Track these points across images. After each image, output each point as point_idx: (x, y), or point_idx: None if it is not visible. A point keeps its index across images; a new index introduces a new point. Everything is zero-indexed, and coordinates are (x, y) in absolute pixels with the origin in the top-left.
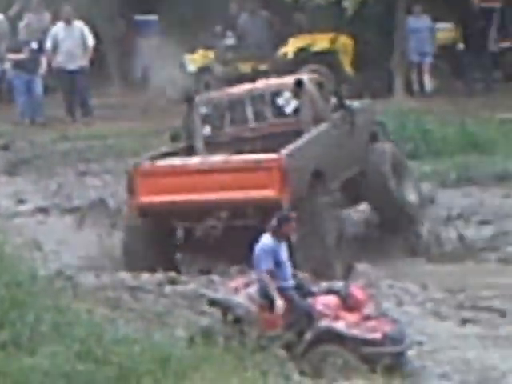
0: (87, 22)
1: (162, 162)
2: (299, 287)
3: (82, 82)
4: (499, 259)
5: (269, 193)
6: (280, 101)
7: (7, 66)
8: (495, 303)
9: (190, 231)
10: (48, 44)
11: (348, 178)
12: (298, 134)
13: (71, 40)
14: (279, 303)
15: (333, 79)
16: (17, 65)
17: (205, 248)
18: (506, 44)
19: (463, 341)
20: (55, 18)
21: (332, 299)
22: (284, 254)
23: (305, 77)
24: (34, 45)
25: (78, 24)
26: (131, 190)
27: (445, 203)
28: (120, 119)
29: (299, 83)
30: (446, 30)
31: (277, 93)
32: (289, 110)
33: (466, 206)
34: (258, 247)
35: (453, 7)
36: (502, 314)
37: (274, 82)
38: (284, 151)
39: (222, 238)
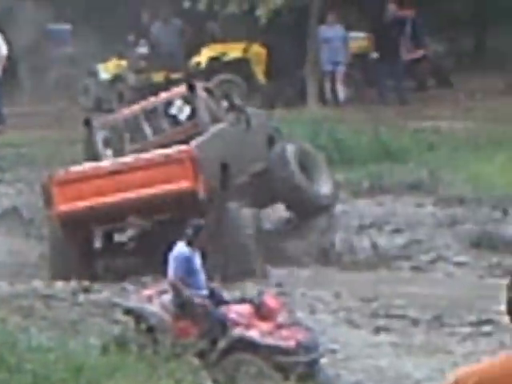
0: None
1: (75, 169)
2: (213, 296)
3: None
4: (412, 268)
5: (184, 184)
6: (173, 110)
7: None
8: (408, 312)
9: (110, 237)
10: None
11: (253, 173)
12: (198, 136)
13: None
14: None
15: (244, 88)
16: None
17: (124, 253)
18: (418, 54)
19: (377, 349)
20: None
21: (245, 308)
22: (198, 262)
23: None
24: None
25: None
26: (49, 201)
27: (358, 212)
28: (32, 128)
29: (191, 87)
30: (358, 39)
31: (168, 103)
32: (183, 117)
33: (379, 214)
34: (172, 255)
35: (366, 17)
36: (415, 322)
37: (163, 95)
38: (193, 143)
39: (141, 243)
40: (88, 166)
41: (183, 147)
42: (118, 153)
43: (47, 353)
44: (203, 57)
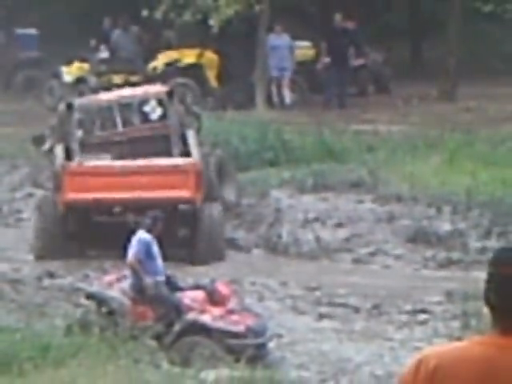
0: None
1: (88, 163)
2: (169, 282)
3: None
4: (353, 260)
5: (185, 193)
6: (146, 108)
7: None
8: (350, 300)
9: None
10: None
11: None
12: (163, 137)
13: None
14: (148, 281)
15: (198, 91)
16: None
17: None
18: (360, 61)
19: (320, 334)
20: None
21: (199, 294)
22: (156, 249)
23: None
24: None
25: None
26: (58, 188)
27: (302, 207)
28: (0, 125)
29: (170, 94)
30: (304, 48)
31: (144, 101)
32: (154, 116)
33: (322, 210)
34: (134, 239)
35: (310, 27)
36: (356, 310)
37: (140, 90)
38: (196, 156)
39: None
40: (100, 163)
41: (190, 160)
42: (87, 134)
43: (15, 333)
44: (160, 62)
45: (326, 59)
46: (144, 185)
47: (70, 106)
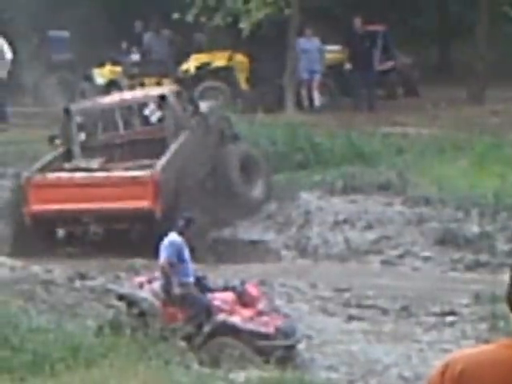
0: (5, 36)
1: (51, 175)
2: (199, 284)
3: (0, 91)
4: (381, 261)
5: (144, 204)
6: (146, 111)
7: None
8: (379, 302)
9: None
10: None
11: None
12: (162, 140)
13: None
14: (177, 289)
15: (228, 94)
16: None
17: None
18: (388, 65)
19: (349, 336)
20: None
21: (229, 295)
22: (187, 252)
23: (167, 90)
24: None
25: None
26: (24, 199)
27: (332, 209)
28: (33, 127)
29: (163, 98)
30: (333, 52)
31: (143, 104)
32: (154, 119)
33: (352, 212)
34: (165, 242)
35: (339, 31)
36: (385, 311)
37: (140, 94)
38: (157, 167)
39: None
40: (63, 175)
41: (148, 172)
42: (90, 137)
43: (47, 333)
44: (191, 64)
45: (348, 65)
46: (105, 196)
47: (67, 111)
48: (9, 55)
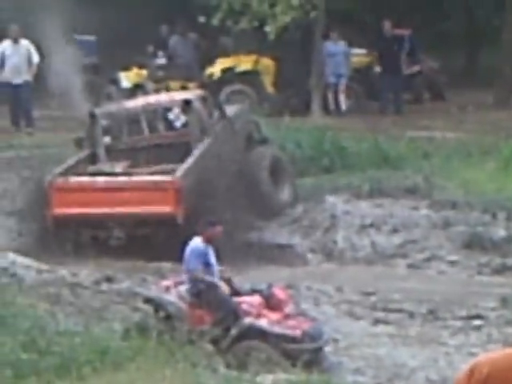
0: (31, 39)
1: (74, 179)
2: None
3: (26, 95)
4: (408, 265)
5: (166, 209)
6: (171, 115)
7: None
8: (405, 305)
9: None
10: None
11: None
12: (187, 144)
13: (17, 56)
14: (222, 284)
15: (254, 98)
16: None
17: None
18: (414, 69)
19: (375, 339)
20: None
21: (256, 299)
22: (212, 256)
23: (192, 95)
24: None
25: (25, 42)
26: (47, 203)
27: (358, 213)
28: (60, 130)
29: (188, 102)
30: (360, 55)
31: (168, 108)
32: (178, 124)
33: (378, 216)
34: (188, 249)
35: (366, 34)
36: (411, 315)
37: (164, 98)
38: (178, 172)
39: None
40: (85, 179)
41: (169, 177)
42: (115, 140)
43: (74, 336)
44: (217, 68)
45: (378, 68)
46: (127, 200)
47: (92, 115)
48: (36, 59)
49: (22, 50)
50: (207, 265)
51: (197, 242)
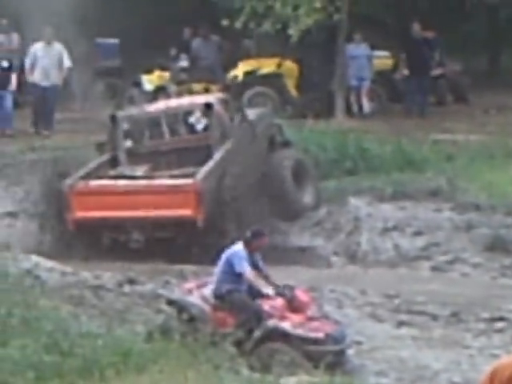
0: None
1: (94, 183)
2: (250, 289)
3: (52, 98)
4: (431, 267)
5: (186, 212)
6: (192, 119)
7: None
8: (428, 308)
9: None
10: (27, 60)
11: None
12: (208, 148)
13: (48, 59)
14: (269, 291)
15: (277, 100)
16: None
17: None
18: (438, 71)
19: (399, 341)
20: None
21: (279, 301)
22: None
23: (213, 98)
24: (5, 63)
25: (58, 45)
26: (67, 207)
27: (381, 216)
28: (81, 132)
29: (208, 106)
30: (383, 58)
31: (189, 112)
32: (199, 127)
33: (401, 218)
34: (231, 252)
35: (389, 37)
36: (435, 317)
37: (186, 101)
38: (198, 176)
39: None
40: (105, 182)
41: (189, 181)
42: (137, 144)
43: (96, 339)
44: (239, 71)
45: (405, 70)
46: (147, 204)
47: (113, 118)
48: (67, 63)
49: (54, 52)
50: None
51: (239, 247)
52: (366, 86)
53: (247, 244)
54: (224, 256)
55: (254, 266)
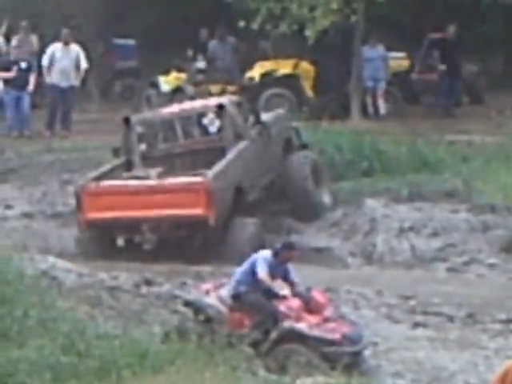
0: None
1: (105, 183)
2: (267, 290)
3: (71, 99)
4: (447, 269)
5: (197, 211)
6: (205, 121)
7: None
8: (444, 309)
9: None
10: (45, 61)
11: (264, 184)
12: (222, 150)
13: (67, 60)
14: (285, 291)
15: (294, 102)
16: (6, 82)
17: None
18: None
19: (415, 342)
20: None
21: (295, 302)
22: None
23: (226, 100)
24: (23, 64)
25: (74, 46)
26: (79, 207)
27: (397, 217)
28: (99, 133)
29: (221, 107)
30: (399, 59)
31: (202, 114)
32: (213, 129)
33: (417, 219)
34: (259, 255)
35: (405, 38)
36: (451, 318)
37: (199, 104)
38: (209, 174)
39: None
40: (116, 182)
41: (200, 179)
42: (151, 147)
43: (113, 339)
44: (256, 72)
45: (442, 66)
46: (158, 203)
47: (127, 121)
48: (84, 64)
49: (71, 54)
50: (255, 273)
51: (267, 253)
52: (381, 87)
53: (276, 254)
54: (251, 257)
55: (284, 278)
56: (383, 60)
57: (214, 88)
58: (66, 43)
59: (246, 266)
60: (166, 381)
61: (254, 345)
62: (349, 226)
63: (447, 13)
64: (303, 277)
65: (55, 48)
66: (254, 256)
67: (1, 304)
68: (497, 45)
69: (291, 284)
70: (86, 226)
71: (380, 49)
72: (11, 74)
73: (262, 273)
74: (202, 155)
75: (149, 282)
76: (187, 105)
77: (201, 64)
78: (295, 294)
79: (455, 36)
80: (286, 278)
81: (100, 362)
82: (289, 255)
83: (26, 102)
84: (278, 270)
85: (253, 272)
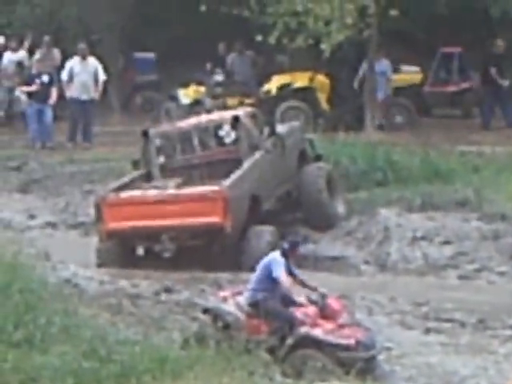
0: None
1: (125, 194)
2: (284, 297)
3: (91, 112)
4: (459, 276)
5: (214, 219)
6: (221, 132)
7: (21, 96)
8: (456, 315)
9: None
10: (64, 75)
11: (280, 195)
12: (238, 160)
13: (85, 74)
14: (301, 299)
15: (310, 114)
16: (29, 95)
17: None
18: (465, 85)
19: (427, 348)
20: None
21: (311, 309)
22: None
23: (241, 112)
24: (45, 78)
25: (92, 60)
26: (99, 218)
27: (410, 226)
28: (120, 145)
29: (236, 119)
30: (411, 72)
31: (218, 126)
32: (229, 140)
33: (430, 228)
34: (269, 259)
35: (418, 52)
36: (463, 324)
37: (215, 116)
38: (225, 183)
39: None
40: (135, 193)
41: (216, 188)
42: (169, 159)
43: (134, 346)
44: (273, 85)
45: (505, 82)
46: (175, 213)
47: (145, 134)
48: (102, 77)
49: (89, 67)
50: (273, 278)
51: (278, 254)
52: (394, 100)
53: (285, 253)
54: (262, 262)
55: (290, 273)
56: (382, 75)
57: (232, 101)
58: (84, 57)
59: (259, 272)
60: None
61: (271, 351)
62: (363, 235)
63: (459, 27)
64: (319, 284)
65: (73, 63)
66: (265, 261)
67: (25, 311)
68: (507, 57)
69: (294, 276)
70: (106, 236)
71: (384, 64)
72: (34, 88)
73: (284, 276)
74: (218, 166)
75: (168, 290)
76: (204, 117)
77: (219, 77)
78: (300, 283)
79: (503, 50)
80: (290, 273)
81: (121, 368)
82: (295, 252)
83: (49, 114)
84: (287, 267)
85: (269, 276)
